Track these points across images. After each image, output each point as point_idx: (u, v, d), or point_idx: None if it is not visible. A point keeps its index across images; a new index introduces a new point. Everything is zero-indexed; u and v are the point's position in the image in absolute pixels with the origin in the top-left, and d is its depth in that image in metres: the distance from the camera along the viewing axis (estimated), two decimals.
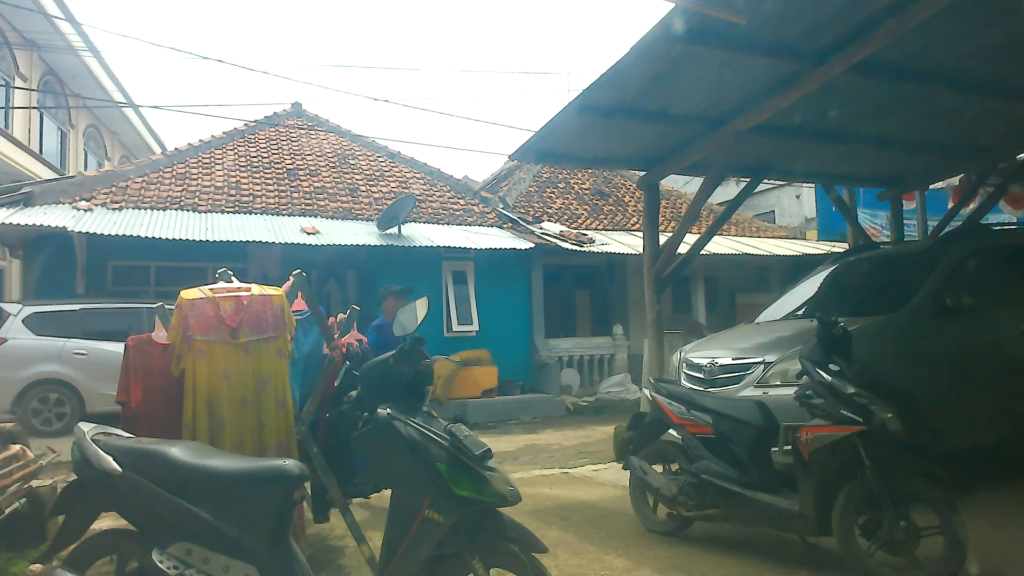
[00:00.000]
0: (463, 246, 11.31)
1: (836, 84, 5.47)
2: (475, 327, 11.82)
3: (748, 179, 8.13)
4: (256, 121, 14.45)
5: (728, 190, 12.87)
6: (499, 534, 2.69)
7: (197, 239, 9.54)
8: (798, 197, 18.69)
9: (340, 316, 4.70)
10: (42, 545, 3.92)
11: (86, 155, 18.52)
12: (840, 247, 11.52)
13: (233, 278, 3.83)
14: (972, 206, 9.33)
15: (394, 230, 11.27)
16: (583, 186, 16.36)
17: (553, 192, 15.83)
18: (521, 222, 13.34)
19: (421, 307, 3.29)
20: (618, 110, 6.18)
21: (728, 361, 5.43)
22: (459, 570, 2.71)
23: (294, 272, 3.91)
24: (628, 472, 4.82)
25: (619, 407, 11.37)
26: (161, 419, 3.56)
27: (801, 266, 11.36)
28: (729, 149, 6.63)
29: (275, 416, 3.68)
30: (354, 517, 3.65)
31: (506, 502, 2.66)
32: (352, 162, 14.20)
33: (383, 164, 14.53)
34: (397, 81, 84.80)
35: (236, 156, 13.23)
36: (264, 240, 10.02)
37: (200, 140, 13.32)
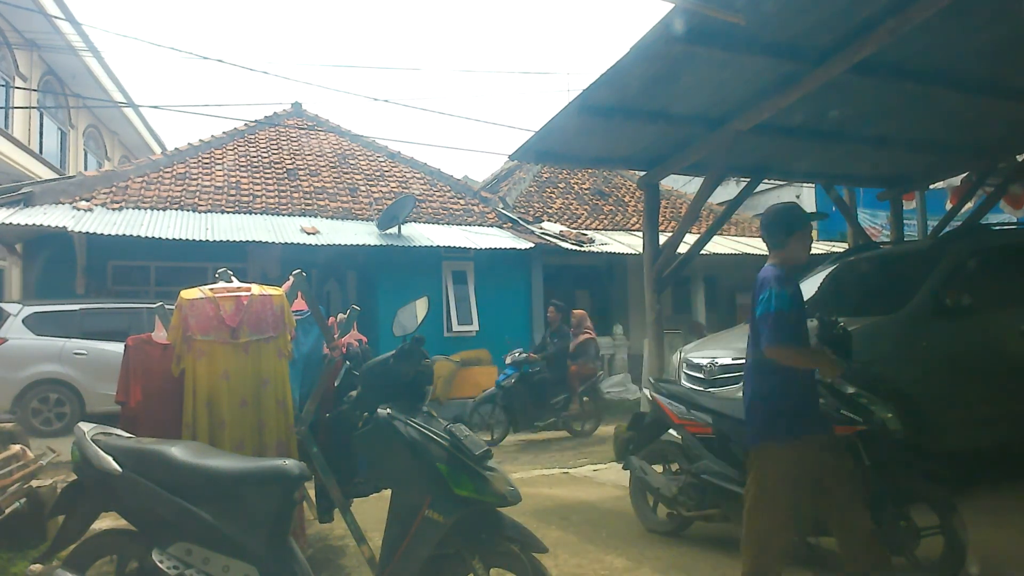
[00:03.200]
0: (463, 246, 11.31)
1: (836, 84, 5.47)
2: (475, 327, 11.82)
3: (748, 179, 8.13)
4: (256, 121, 14.45)
5: (728, 190, 12.84)
6: (499, 534, 2.69)
7: (197, 239, 9.54)
8: (798, 197, 18.61)
9: (340, 316, 4.69)
10: (42, 545, 3.92)
11: (86, 155, 18.52)
12: (840, 247, 11.51)
13: (233, 278, 3.83)
14: (971, 206, 9.33)
15: (394, 230, 11.27)
16: (583, 186, 16.35)
17: (553, 192, 15.83)
18: (521, 222, 13.34)
19: (421, 307, 3.29)
20: (618, 110, 6.18)
21: (728, 361, 5.43)
22: (459, 570, 2.72)
23: (294, 272, 3.91)
24: (628, 472, 4.82)
25: (619, 407, 11.37)
26: (161, 419, 3.56)
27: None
28: (729, 149, 6.63)
29: (275, 416, 3.68)
30: (354, 517, 3.65)
31: (506, 502, 2.66)
32: (352, 162, 14.19)
33: (383, 164, 14.52)
34: (397, 81, 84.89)
35: (236, 156, 13.22)
36: (264, 240, 10.02)
37: (200, 140, 13.31)
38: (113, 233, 9.18)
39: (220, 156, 13.05)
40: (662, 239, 7.55)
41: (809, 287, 6.63)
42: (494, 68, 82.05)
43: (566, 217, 14.85)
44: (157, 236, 9.34)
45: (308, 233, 10.61)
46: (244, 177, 12.58)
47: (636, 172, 11.18)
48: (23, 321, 8.87)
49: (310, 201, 12.40)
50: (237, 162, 13.01)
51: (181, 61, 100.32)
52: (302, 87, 74.73)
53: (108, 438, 2.77)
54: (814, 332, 4.02)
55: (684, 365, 5.84)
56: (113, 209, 10.48)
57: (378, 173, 14.11)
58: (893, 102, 6.23)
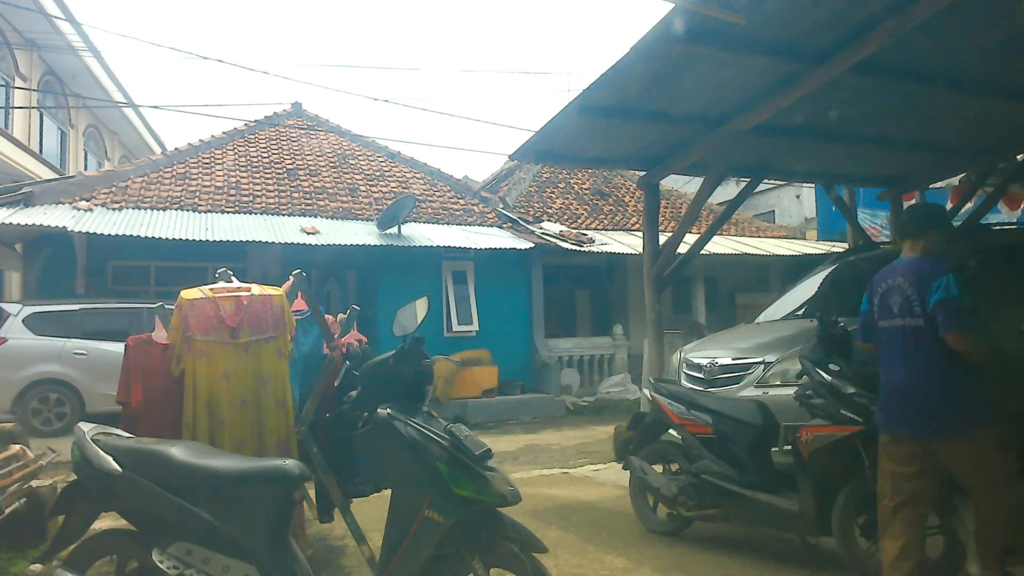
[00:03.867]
0: (463, 246, 11.31)
1: (836, 84, 5.47)
2: (475, 327, 11.82)
3: (748, 179, 8.13)
4: (256, 121, 14.46)
5: (728, 190, 12.86)
6: (499, 534, 2.69)
7: (197, 239, 9.54)
8: (798, 197, 18.69)
9: (340, 316, 4.69)
10: (42, 545, 3.92)
11: (86, 155, 18.51)
12: (840, 247, 11.52)
13: (233, 278, 3.83)
14: (971, 206, 9.33)
15: (394, 230, 11.27)
16: (583, 186, 16.36)
17: (553, 192, 15.83)
18: (521, 222, 13.34)
19: (421, 307, 3.29)
20: (618, 110, 6.18)
21: (728, 361, 5.43)
22: (459, 570, 2.71)
23: (294, 272, 3.91)
24: (628, 472, 4.82)
25: (619, 407, 11.37)
26: (161, 419, 3.56)
27: (801, 266, 11.35)
28: (729, 149, 6.63)
29: (275, 416, 3.68)
30: (354, 517, 3.65)
31: (506, 502, 2.66)
32: (352, 162, 14.20)
33: (383, 164, 14.53)
34: (397, 81, 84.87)
35: (236, 156, 13.23)
36: (264, 240, 10.02)
37: (200, 140, 13.32)
38: (113, 233, 9.18)
39: (220, 156, 13.06)
40: (662, 239, 7.55)
41: (809, 287, 6.64)
42: (494, 68, 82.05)
43: (566, 217, 14.86)
44: (157, 236, 9.34)
45: (308, 233, 10.61)
46: (244, 177, 12.59)
47: (636, 172, 11.19)
48: (23, 321, 8.87)
49: (310, 201, 12.40)
50: (237, 162, 13.01)
51: (181, 61, 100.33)
52: (302, 87, 74.85)
53: (108, 438, 2.77)
54: (814, 332, 4.04)
55: (684, 365, 5.83)
56: (113, 209, 10.49)
57: (378, 173, 14.11)
58: (893, 102, 6.23)
